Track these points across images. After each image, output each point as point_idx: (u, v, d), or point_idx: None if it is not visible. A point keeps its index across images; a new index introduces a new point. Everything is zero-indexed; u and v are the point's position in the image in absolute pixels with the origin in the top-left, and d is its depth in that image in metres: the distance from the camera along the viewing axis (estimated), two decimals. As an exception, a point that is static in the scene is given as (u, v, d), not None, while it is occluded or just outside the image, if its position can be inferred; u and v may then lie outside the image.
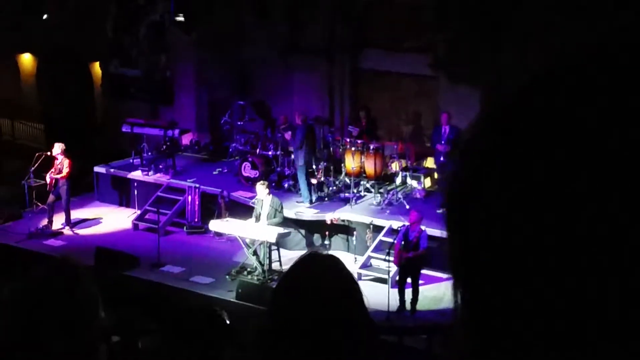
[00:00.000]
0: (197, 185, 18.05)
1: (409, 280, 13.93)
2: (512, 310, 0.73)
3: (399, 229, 14.54)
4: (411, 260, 13.75)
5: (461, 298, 0.78)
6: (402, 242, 13.93)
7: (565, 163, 0.70)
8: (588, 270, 0.69)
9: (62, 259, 2.56)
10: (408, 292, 13.94)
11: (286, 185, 17.58)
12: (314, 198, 17.00)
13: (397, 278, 14.17)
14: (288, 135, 17.56)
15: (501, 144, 0.74)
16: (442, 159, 16.44)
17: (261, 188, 15.26)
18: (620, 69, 0.72)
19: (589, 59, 0.74)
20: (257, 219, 15.28)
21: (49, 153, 17.76)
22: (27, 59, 25.32)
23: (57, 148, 17.46)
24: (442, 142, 16.19)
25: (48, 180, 17.45)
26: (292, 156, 17.40)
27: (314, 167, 17.57)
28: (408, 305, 13.96)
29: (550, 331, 0.71)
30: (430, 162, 17.79)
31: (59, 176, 17.38)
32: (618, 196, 0.68)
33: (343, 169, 17.49)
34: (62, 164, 17.40)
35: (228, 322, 3.85)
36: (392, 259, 14.05)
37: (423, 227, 13.93)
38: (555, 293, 0.70)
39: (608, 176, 0.69)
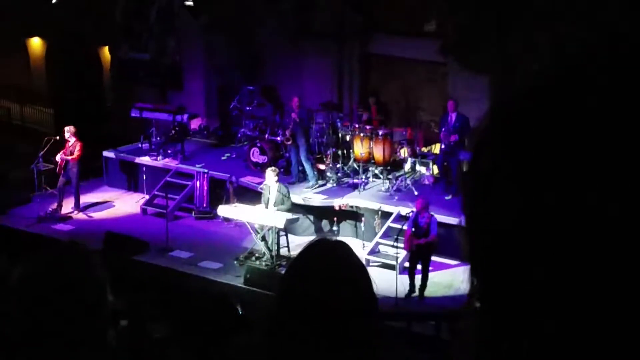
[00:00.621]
0: (206, 171, 18.06)
1: (419, 266, 13.95)
2: (527, 300, 0.73)
3: (408, 215, 14.53)
4: (422, 246, 13.75)
5: (477, 287, 0.78)
6: (413, 229, 13.93)
7: (575, 160, 0.71)
8: (603, 260, 0.69)
9: (69, 243, 2.56)
10: (418, 278, 13.96)
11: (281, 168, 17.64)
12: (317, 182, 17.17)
13: (408, 264, 14.18)
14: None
15: (515, 138, 0.75)
16: (443, 146, 16.38)
17: (271, 174, 15.26)
18: (625, 68, 0.72)
19: (595, 58, 0.74)
20: (266, 204, 15.30)
21: (58, 137, 17.79)
22: (36, 44, 25.33)
23: (69, 131, 17.52)
24: (449, 128, 16.12)
25: (59, 160, 17.50)
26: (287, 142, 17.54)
27: (322, 153, 17.62)
28: (417, 291, 13.98)
29: (564, 322, 0.71)
30: (438, 149, 17.76)
31: (69, 157, 17.44)
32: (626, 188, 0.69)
33: (352, 155, 17.47)
34: (74, 146, 17.46)
35: (241, 312, 3.86)
36: (401, 245, 14.06)
37: (432, 213, 13.94)
38: (570, 283, 0.70)
39: (617, 169, 0.69)
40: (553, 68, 0.76)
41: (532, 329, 0.73)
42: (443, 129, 16.26)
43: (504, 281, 0.75)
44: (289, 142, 17.26)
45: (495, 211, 0.75)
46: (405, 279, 13.99)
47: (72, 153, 17.48)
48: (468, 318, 0.79)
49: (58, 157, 17.55)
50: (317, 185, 17.14)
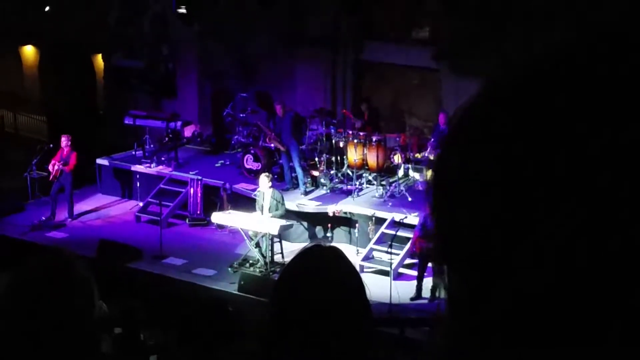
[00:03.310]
0: (200, 178, 18.05)
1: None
2: (499, 302, 0.72)
3: (402, 221, 14.54)
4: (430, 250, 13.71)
5: (448, 288, 0.77)
6: (421, 231, 13.94)
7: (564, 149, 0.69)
8: (585, 261, 0.68)
9: (55, 250, 2.57)
10: (427, 281, 13.94)
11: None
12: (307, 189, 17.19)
13: (418, 267, 14.20)
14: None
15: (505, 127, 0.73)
16: (426, 154, 16.49)
17: (264, 180, 15.27)
18: (622, 60, 0.71)
19: (588, 48, 0.73)
20: (261, 211, 15.30)
21: (51, 145, 17.76)
22: (29, 51, 25.31)
23: (64, 140, 17.51)
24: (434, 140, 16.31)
25: (54, 169, 17.46)
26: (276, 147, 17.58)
27: (316, 159, 17.66)
28: (424, 294, 13.96)
29: (537, 325, 0.70)
30: (432, 156, 17.80)
31: (65, 167, 17.42)
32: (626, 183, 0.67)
33: (345, 161, 17.49)
34: (69, 155, 17.44)
35: (235, 318, 3.86)
36: (395, 251, 14.07)
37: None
38: (545, 286, 0.69)
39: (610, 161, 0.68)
40: (540, 57, 0.75)
41: (502, 330, 0.72)
42: (430, 142, 16.40)
43: (473, 285, 0.74)
44: (282, 149, 17.32)
45: (465, 211, 0.73)
46: (400, 285, 13.99)
47: (66, 162, 17.45)
48: (444, 321, 0.78)
49: (51, 166, 17.53)
50: (308, 191, 17.15)
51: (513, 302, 0.70)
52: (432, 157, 16.39)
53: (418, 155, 17.31)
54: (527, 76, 0.75)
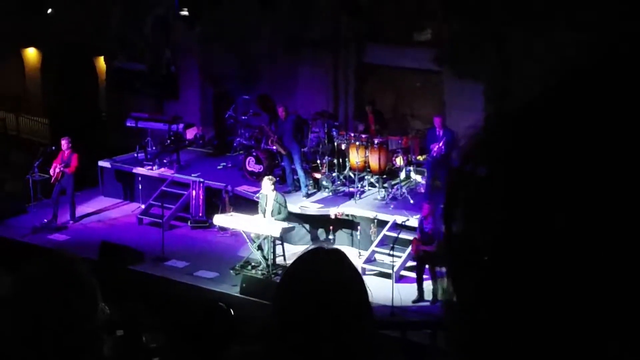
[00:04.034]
0: (202, 180, 18.06)
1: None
2: (500, 306, 0.72)
3: (404, 223, 14.55)
4: (429, 253, 13.72)
5: (455, 292, 0.78)
6: (418, 234, 13.95)
7: (586, 168, 0.70)
8: (587, 276, 0.68)
9: (57, 252, 2.57)
10: (427, 284, 13.94)
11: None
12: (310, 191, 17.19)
13: (416, 270, 14.23)
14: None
15: (517, 147, 0.74)
16: (433, 154, 16.40)
17: (267, 183, 15.25)
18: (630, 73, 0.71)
19: (602, 64, 0.73)
20: (264, 214, 15.29)
21: (53, 147, 17.78)
22: (31, 54, 25.33)
23: (65, 142, 17.52)
24: (440, 143, 16.21)
25: (55, 171, 17.46)
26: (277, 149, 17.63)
27: (318, 162, 17.67)
28: (427, 296, 13.96)
29: (537, 331, 0.70)
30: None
31: (66, 169, 17.43)
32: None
33: (347, 164, 17.49)
34: (70, 157, 17.45)
35: (236, 319, 3.85)
36: (397, 253, 14.09)
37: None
38: (549, 295, 0.70)
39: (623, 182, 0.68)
40: (555, 73, 0.75)
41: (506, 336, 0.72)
42: (433, 145, 16.34)
43: (479, 293, 0.74)
44: (283, 152, 17.33)
45: (479, 221, 0.74)
46: (401, 287, 13.99)
47: (68, 164, 17.46)
48: (450, 323, 0.79)
49: (52, 168, 17.54)
50: (310, 194, 17.16)
51: (515, 306, 0.71)
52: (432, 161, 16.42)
53: (420, 158, 17.30)
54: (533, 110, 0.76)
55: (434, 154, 16.25)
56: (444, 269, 0.79)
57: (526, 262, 0.71)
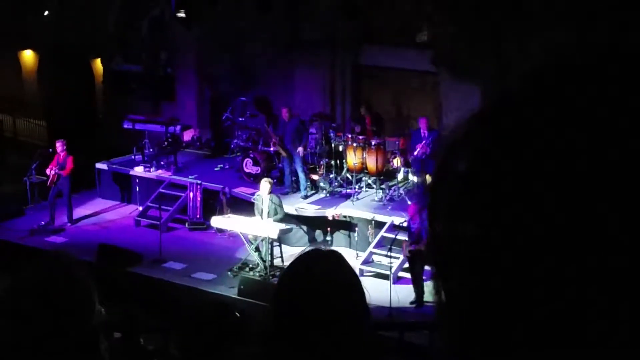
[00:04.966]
0: (199, 182, 18.05)
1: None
2: (496, 306, 0.72)
3: (402, 224, 14.57)
4: (414, 252, 13.71)
5: (444, 291, 0.77)
6: (407, 235, 13.97)
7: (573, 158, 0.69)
8: (579, 273, 0.68)
9: (54, 254, 2.56)
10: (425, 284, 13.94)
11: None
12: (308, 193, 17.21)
13: (410, 271, 14.24)
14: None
15: (502, 141, 0.73)
16: (416, 154, 16.51)
17: (265, 185, 15.24)
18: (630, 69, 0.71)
19: (598, 58, 0.73)
20: (260, 215, 15.29)
21: (50, 150, 17.77)
22: (28, 56, 25.30)
23: (59, 145, 17.51)
24: (423, 143, 16.37)
25: (51, 174, 17.47)
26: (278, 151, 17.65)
27: (315, 163, 17.68)
28: (425, 297, 13.96)
29: (528, 328, 0.70)
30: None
31: (62, 172, 17.42)
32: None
33: (345, 165, 17.49)
34: (65, 160, 17.44)
35: (239, 319, 3.85)
36: (395, 255, 14.09)
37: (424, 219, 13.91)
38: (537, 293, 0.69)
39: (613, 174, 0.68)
40: (547, 66, 0.74)
41: (499, 339, 0.72)
42: (418, 145, 16.43)
43: (467, 294, 0.74)
44: (282, 154, 17.33)
45: (466, 218, 0.73)
46: (399, 288, 13.99)
47: (63, 167, 17.45)
48: (440, 323, 0.78)
49: (48, 170, 17.54)
50: (307, 195, 17.17)
51: (510, 305, 0.70)
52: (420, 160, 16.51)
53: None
54: (530, 93, 0.75)
55: (418, 155, 16.39)
56: (431, 268, 0.79)
57: (512, 263, 0.70)
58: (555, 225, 0.68)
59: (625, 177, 0.67)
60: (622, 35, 0.74)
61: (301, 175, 17.23)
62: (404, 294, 14.00)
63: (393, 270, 14.23)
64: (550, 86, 0.73)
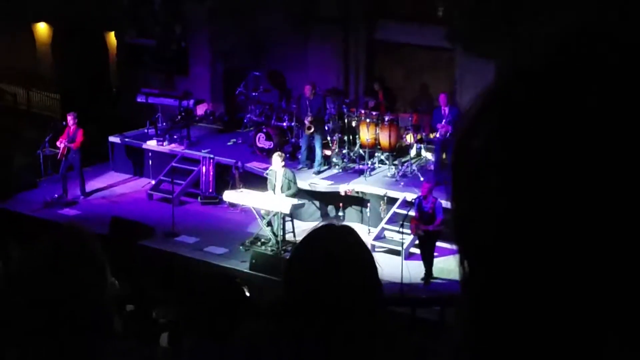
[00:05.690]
0: (212, 156, 18.07)
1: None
2: (516, 290, 0.71)
3: (413, 201, 14.54)
4: (431, 233, 13.73)
5: (468, 271, 0.77)
6: (418, 214, 13.95)
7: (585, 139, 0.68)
8: (601, 261, 0.67)
9: (68, 226, 2.57)
10: (437, 261, 13.96)
11: (299, 155, 17.62)
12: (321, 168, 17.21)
13: (419, 250, 14.24)
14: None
15: (512, 121, 0.73)
16: (438, 135, 16.32)
17: (277, 159, 15.25)
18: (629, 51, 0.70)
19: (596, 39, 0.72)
20: (273, 190, 15.30)
21: (63, 122, 17.81)
22: (42, 29, 25.30)
23: (70, 117, 17.55)
24: (444, 122, 16.16)
25: (61, 147, 17.51)
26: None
27: (328, 138, 17.62)
28: (436, 273, 13.98)
29: (550, 317, 0.70)
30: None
31: (72, 144, 17.46)
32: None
33: (358, 141, 17.46)
34: (75, 133, 17.48)
35: (248, 294, 3.86)
36: (407, 230, 14.08)
37: (437, 198, 13.92)
38: (560, 280, 0.69)
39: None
40: (561, 40, 0.75)
41: (521, 319, 0.72)
42: (439, 124, 16.27)
43: (491, 271, 0.73)
44: (311, 130, 17.07)
45: (484, 197, 0.72)
46: (411, 264, 14.00)
47: (73, 140, 17.49)
48: (462, 303, 0.77)
49: (58, 143, 17.59)
50: (320, 170, 17.15)
51: (532, 278, 0.70)
52: (443, 139, 16.32)
53: (431, 135, 17.27)
54: (548, 65, 0.74)
55: (441, 136, 16.19)
56: (455, 246, 0.78)
57: (530, 247, 0.70)
58: (574, 200, 0.68)
59: None
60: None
61: (318, 152, 17.18)
62: (415, 270, 14.03)
63: (405, 246, 14.24)
64: (562, 61, 0.73)
